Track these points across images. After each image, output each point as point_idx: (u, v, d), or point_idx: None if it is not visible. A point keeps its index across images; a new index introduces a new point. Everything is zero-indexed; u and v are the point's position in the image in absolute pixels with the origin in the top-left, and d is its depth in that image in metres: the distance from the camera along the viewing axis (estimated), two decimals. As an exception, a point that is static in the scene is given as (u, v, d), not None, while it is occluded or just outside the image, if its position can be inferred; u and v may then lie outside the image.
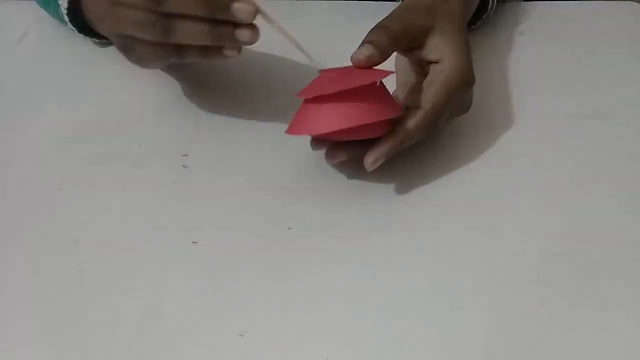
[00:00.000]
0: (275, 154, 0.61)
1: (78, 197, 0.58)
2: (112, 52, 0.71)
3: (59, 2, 0.68)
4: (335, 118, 0.53)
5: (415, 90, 0.58)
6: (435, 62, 0.57)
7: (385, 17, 0.58)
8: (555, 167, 0.60)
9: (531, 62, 0.69)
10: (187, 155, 0.61)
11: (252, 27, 0.53)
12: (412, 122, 0.55)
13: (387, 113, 0.54)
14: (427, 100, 0.56)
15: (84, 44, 0.71)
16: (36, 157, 0.61)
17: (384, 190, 0.58)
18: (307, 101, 0.55)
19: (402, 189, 0.58)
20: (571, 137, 0.62)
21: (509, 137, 0.62)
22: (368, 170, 0.55)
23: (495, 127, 0.63)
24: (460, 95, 0.57)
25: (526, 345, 0.48)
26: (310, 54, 0.55)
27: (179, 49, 0.55)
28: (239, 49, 0.55)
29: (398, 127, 0.55)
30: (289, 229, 0.55)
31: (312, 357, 0.48)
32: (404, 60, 0.60)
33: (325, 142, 0.57)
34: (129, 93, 0.67)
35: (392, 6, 0.61)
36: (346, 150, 0.56)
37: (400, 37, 0.56)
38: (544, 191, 0.58)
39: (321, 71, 0.56)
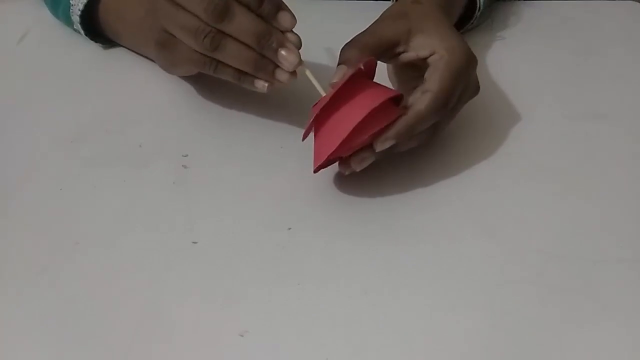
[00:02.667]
0: (276, 154, 0.61)
1: (78, 197, 0.58)
2: (112, 52, 0.71)
3: (72, 3, 0.68)
4: (341, 125, 0.53)
5: (419, 88, 0.58)
6: (430, 55, 0.57)
7: (358, 33, 0.58)
8: (554, 167, 0.60)
9: (530, 62, 0.69)
10: (187, 155, 0.61)
11: (292, 72, 0.56)
12: (421, 104, 0.55)
13: (387, 93, 0.54)
14: (435, 83, 0.56)
15: (84, 44, 0.71)
16: (36, 157, 0.61)
17: (385, 190, 0.58)
18: (315, 132, 0.55)
19: (401, 189, 0.58)
20: (571, 137, 0.62)
21: (508, 137, 0.62)
22: (376, 150, 0.55)
23: (494, 127, 0.63)
24: (465, 75, 0.57)
25: (526, 345, 0.48)
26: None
27: (217, 65, 0.57)
28: (270, 86, 0.57)
29: (410, 111, 0.55)
30: (289, 229, 0.55)
31: (312, 357, 0.48)
32: (398, 68, 0.60)
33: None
34: (129, 93, 0.67)
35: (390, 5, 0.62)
36: (370, 151, 0.56)
37: (371, 48, 0.56)
38: (543, 191, 0.58)
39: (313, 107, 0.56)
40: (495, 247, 0.54)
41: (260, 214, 0.56)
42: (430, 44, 0.57)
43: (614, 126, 0.63)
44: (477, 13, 0.69)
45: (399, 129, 0.55)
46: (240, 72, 0.57)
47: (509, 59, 0.70)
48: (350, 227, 0.56)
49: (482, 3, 0.69)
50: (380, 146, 0.55)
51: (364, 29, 0.59)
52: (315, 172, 0.56)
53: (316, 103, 0.55)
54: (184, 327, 0.50)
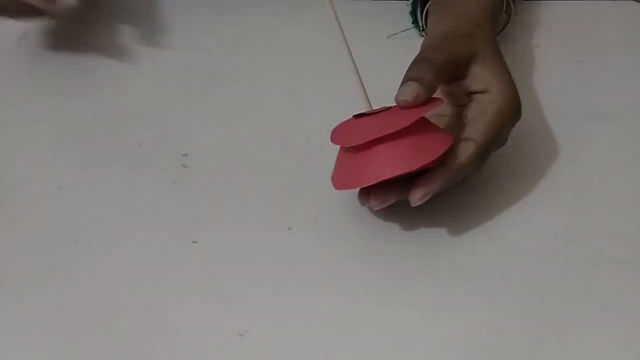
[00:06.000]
0: (276, 154, 0.61)
1: (78, 197, 0.58)
2: (112, 51, 0.71)
3: None
4: (400, 160, 0.49)
5: (455, 122, 0.54)
6: (481, 92, 0.53)
7: (423, 49, 0.54)
8: (555, 167, 0.60)
9: (531, 63, 0.69)
10: (187, 155, 0.61)
11: None
12: (464, 156, 0.51)
13: (444, 144, 0.50)
14: (479, 132, 0.52)
15: (85, 44, 0.71)
16: (36, 157, 0.61)
17: (384, 190, 0.58)
18: (354, 149, 0.50)
19: (402, 189, 0.58)
20: (571, 138, 0.62)
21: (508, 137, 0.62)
22: (413, 205, 0.51)
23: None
24: (508, 129, 0.54)
25: (526, 345, 0.48)
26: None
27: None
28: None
29: (450, 161, 0.51)
30: (289, 229, 0.55)
31: (312, 357, 0.48)
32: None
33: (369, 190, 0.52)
34: (129, 93, 0.67)
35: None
36: (396, 192, 0.51)
37: (443, 68, 0.52)
38: (544, 191, 0.58)
39: (355, 116, 0.52)
40: (494, 247, 0.54)
41: (260, 214, 0.56)
42: (486, 80, 0.53)
43: (613, 126, 0.63)
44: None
45: (440, 185, 0.50)
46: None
47: (508, 59, 0.69)
48: (350, 227, 0.56)
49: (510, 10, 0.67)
50: (419, 202, 0.50)
51: (426, 45, 0.55)
52: (337, 189, 0.52)
53: (362, 114, 0.52)
54: (184, 327, 0.50)
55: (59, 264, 0.53)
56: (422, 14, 0.65)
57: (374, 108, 0.52)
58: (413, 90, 0.50)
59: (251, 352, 0.48)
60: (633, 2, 0.76)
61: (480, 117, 0.53)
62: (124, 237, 0.55)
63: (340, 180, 0.52)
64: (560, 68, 0.69)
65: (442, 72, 0.52)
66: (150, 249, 0.54)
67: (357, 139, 0.50)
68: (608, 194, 0.58)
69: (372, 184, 0.50)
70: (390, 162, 0.49)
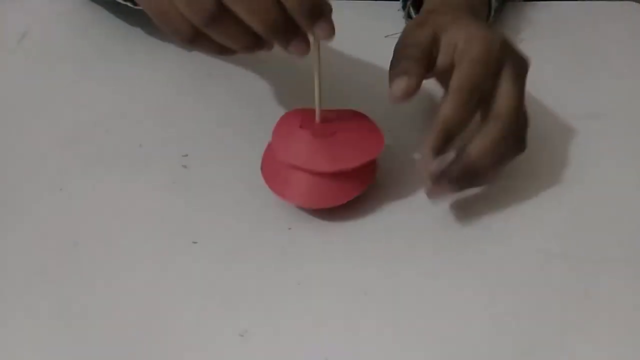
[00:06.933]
0: (275, 154, 0.61)
1: (78, 197, 0.58)
2: (112, 51, 0.71)
3: None
4: (310, 196, 0.54)
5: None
6: (453, 54, 0.53)
7: (401, 38, 0.55)
8: (554, 167, 0.60)
9: (530, 62, 0.69)
10: (187, 155, 0.61)
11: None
12: (444, 108, 0.51)
13: (358, 189, 0.55)
14: (452, 82, 0.51)
15: (85, 44, 0.71)
16: (36, 157, 0.61)
17: (384, 190, 0.58)
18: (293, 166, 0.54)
19: (401, 189, 0.58)
20: (570, 137, 0.62)
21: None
22: (429, 197, 0.54)
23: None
24: (489, 63, 0.52)
25: (526, 345, 0.48)
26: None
27: (202, 40, 0.50)
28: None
29: (436, 119, 0.51)
30: (289, 229, 0.55)
31: (312, 357, 0.48)
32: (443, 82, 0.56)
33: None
34: (129, 93, 0.67)
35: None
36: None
37: (422, 57, 0.52)
38: (543, 191, 0.58)
39: (301, 123, 0.55)
40: (495, 247, 0.54)
41: (260, 214, 0.57)
42: (452, 40, 0.53)
43: (613, 126, 0.63)
44: (491, 18, 0.68)
45: (432, 142, 0.51)
46: (223, 47, 0.51)
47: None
48: (350, 227, 0.56)
49: (494, 8, 0.68)
50: (430, 184, 0.52)
51: (403, 34, 0.55)
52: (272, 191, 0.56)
53: (306, 120, 0.55)
54: (184, 327, 0.50)
55: (60, 264, 0.53)
56: (416, 13, 0.65)
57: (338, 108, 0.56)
58: (403, 83, 0.51)
59: (251, 352, 0.48)
60: (633, 2, 0.76)
61: (454, 70, 0.52)
62: (124, 237, 0.55)
63: (263, 170, 0.56)
64: (560, 68, 0.69)
65: (422, 61, 0.52)
66: (150, 249, 0.54)
67: (286, 155, 0.54)
68: (607, 193, 0.58)
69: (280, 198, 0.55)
70: (300, 193, 0.54)
